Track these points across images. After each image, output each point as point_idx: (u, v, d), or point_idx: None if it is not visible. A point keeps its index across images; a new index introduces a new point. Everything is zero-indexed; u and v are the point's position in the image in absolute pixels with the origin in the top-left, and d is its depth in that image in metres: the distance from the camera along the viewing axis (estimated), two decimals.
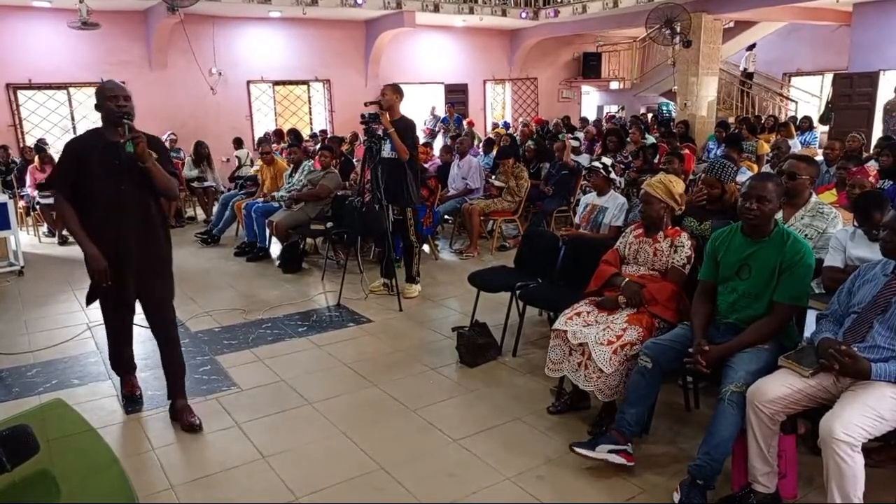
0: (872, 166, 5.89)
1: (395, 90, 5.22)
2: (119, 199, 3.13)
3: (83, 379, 4.05)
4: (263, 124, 12.79)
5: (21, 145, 10.31)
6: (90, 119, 11.28)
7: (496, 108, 16.41)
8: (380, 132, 5.17)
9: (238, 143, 10.64)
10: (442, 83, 15.04)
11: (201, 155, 9.53)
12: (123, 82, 11.05)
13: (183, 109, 11.75)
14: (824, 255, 3.29)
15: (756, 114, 13.17)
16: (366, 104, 5.49)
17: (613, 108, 16.38)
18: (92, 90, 11.08)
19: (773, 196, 2.79)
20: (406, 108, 5.50)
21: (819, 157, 6.59)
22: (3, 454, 1.39)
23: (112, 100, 3.10)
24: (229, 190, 9.05)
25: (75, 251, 7.88)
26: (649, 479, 2.85)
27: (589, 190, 5.78)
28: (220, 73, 11.94)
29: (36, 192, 8.25)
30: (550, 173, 7.70)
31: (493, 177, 7.56)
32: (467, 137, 8.17)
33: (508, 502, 2.74)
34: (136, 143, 2.99)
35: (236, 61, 12.14)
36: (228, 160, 11.93)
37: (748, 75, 14.23)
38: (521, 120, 14.57)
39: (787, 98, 14.83)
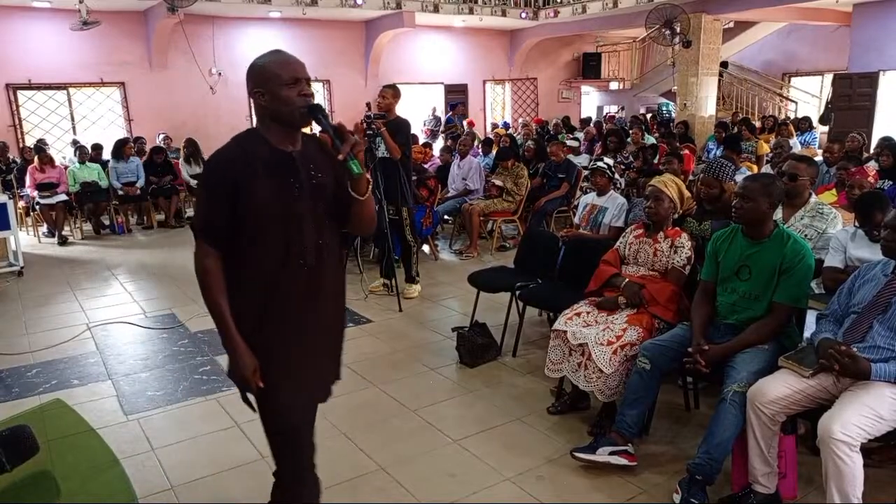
0: (872, 166, 5.89)
1: (396, 93, 5.25)
2: (301, 249, 1.94)
3: (83, 379, 4.04)
4: None
5: (21, 145, 10.30)
6: (90, 119, 11.30)
7: (496, 109, 16.40)
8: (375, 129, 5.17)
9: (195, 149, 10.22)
10: (442, 83, 15.04)
11: (194, 152, 9.53)
12: (122, 83, 10.96)
13: (183, 109, 11.75)
14: (824, 255, 3.30)
15: (746, 115, 13.12)
16: (367, 105, 5.49)
17: (613, 109, 16.37)
18: (92, 91, 11.26)
19: (756, 194, 2.80)
20: (406, 109, 5.50)
21: (818, 158, 6.59)
22: (4, 454, 1.39)
23: (291, 84, 1.86)
24: None
25: (75, 251, 7.93)
26: (649, 479, 2.85)
27: (589, 190, 5.77)
28: (220, 74, 11.93)
29: (35, 193, 8.25)
30: (545, 173, 7.67)
31: (493, 176, 7.55)
32: (468, 138, 8.15)
33: (508, 502, 2.74)
34: (356, 155, 1.87)
35: (236, 61, 12.13)
36: None
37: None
38: (520, 120, 14.57)
39: (787, 98, 14.83)
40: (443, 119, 14.46)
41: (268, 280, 1.96)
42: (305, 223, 1.92)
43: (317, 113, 1.87)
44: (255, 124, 2.02)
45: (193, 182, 9.46)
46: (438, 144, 11.10)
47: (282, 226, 1.90)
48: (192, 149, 9.54)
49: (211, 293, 2.00)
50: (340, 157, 1.82)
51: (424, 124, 14.25)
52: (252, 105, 1.98)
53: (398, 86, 5.42)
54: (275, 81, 1.86)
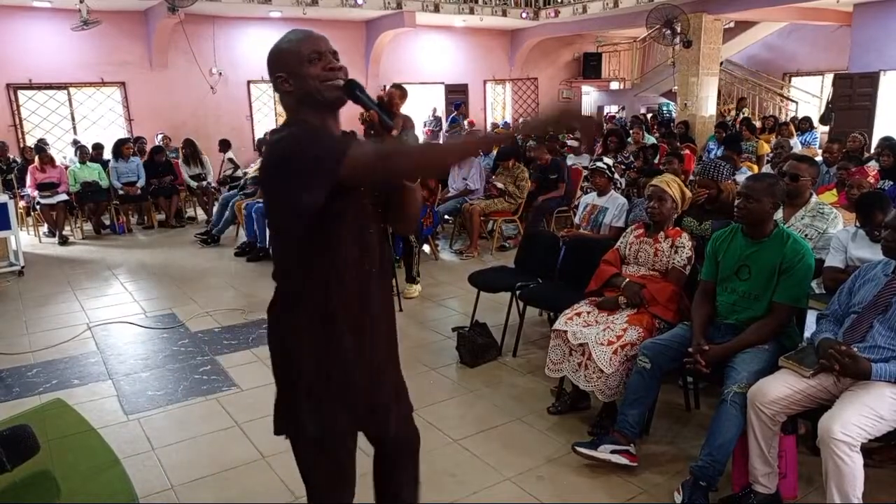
0: (873, 166, 5.89)
1: (403, 93, 5.25)
2: (370, 254, 1.78)
3: (83, 379, 4.05)
4: (264, 124, 12.79)
5: (21, 145, 10.30)
6: (90, 119, 11.30)
7: (497, 109, 16.40)
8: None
9: (224, 146, 10.35)
10: (442, 83, 15.04)
11: (193, 153, 9.53)
12: (123, 83, 10.92)
13: (183, 109, 11.75)
14: (824, 255, 3.30)
15: (745, 114, 13.13)
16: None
17: (613, 109, 16.36)
18: (92, 90, 11.27)
19: (760, 194, 2.81)
20: (406, 109, 5.50)
21: (819, 158, 6.59)
22: (4, 454, 1.39)
23: (314, 60, 1.67)
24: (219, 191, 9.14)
25: (75, 251, 7.93)
26: (650, 478, 2.85)
27: (589, 190, 5.77)
28: (220, 73, 11.94)
29: (36, 193, 8.25)
30: (536, 176, 7.64)
31: (494, 177, 7.55)
32: None
33: (508, 502, 2.74)
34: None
35: (236, 61, 12.14)
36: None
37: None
38: (521, 120, 14.56)
39: (788, 98, 14.82)
40: (444, 119, 14.45)
41: (350, 289, 1.75)
42: (370, 223, 1.76)
43: (354, 89, 1.69)
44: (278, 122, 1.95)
45: (194, 183, 9.46)
46: None
47: (353, 225, 1.73)
48: (190, 149, 9.54)
49: (438, 150, 1.82)
50: (395, 132, 1.69)
51: (425, 125, 14.25)
52: (279, 98, 1.79)
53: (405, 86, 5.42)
54: (295, 60, 1.68)
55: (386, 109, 1.69)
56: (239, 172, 9.76)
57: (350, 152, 1.57)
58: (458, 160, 1.70)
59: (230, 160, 10.07)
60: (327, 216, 1.64)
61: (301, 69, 1.66)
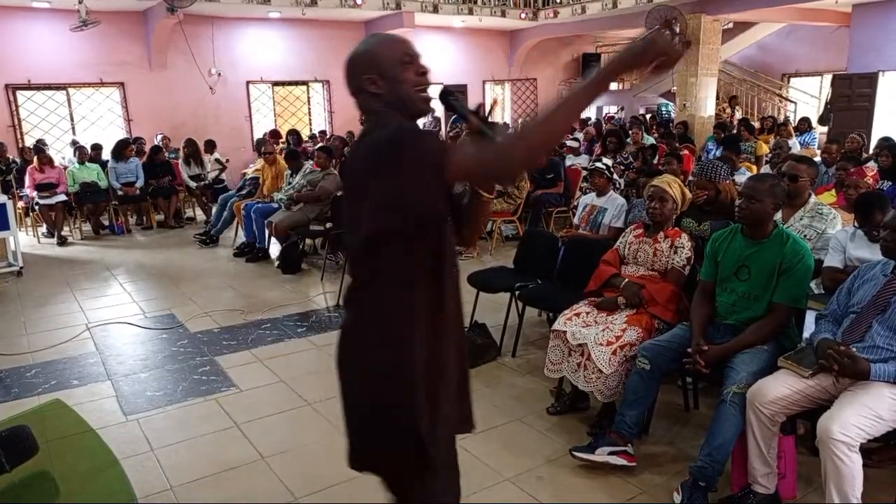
0: (871, 167, 5.90)
1: None
2: (456, 267, 1.75)
3: (82, 380, 4.04)
4: (263, 125, 12.78)
5: (20, 146, 10.30)
6: (89, 119, 11.29)
7: (496, 109, 16.40)
8: None
9: (210, 147, 10.03)
10: (441, 84, 15.00)
11: (194, 153, 9.53)
12: (122, 83, 10.90)
13: (182, 110, 11.74)
14: (823, 255, 3.30)
15: (745, 115, 13.14)
16: None
17: (612, 109, 16.37)
18: (91, 91, 11.26)
19: (763, 195, 2.81)
20: None
21: (817, 159, 6.60)
22: (3, 455, 1.39)
23: (407, 63, 1.64)
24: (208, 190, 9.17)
25: (74, 251, 7.92)
26: (649, 479, 2.85)
27: (588, 190, 5.77)
28: (219, 74, 11.93)
29: (35, 193, 8.24)
30: (533, 177, 7.64)
31: None
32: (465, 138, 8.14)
33: (508, 502, 2.74)
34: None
35: (236, 62, 12.13)
36: (228, 160, 11.93)
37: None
38: (520, 120, 14.57)
39: (786, 99, 14.83)
40: (443, 120, 14.45)
41: (452, 303, 1.68)
42: (449, 230, 1.68)
43: (450, 98, 1.64)
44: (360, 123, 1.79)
45: (193, 183, 9.45)
46: None
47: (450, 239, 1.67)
48: (191, 149, 9.53)
49: (548, 122, 1.45)
50: (498, 139, 1.57)
51: (424, 126, 14.25)
52: (359, 100, 1.67)
53: None
54: (389, 62, 1.61)
55: (485, 119, 1.61)
56: (224, 175, 9.67)
57: (460, 150, 1.51)
58: (578, 115, 1.48)
59: (217, 160, 9.98)
60: (438, 220, 1.57)
61: (395, 72, 1.61)
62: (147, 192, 9.01)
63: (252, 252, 7.10)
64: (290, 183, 7.14)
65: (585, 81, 1.40)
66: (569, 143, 9.23)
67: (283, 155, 7.75)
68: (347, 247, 1.79)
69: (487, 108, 1.69)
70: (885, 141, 6.23)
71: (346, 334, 1.73)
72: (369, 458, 1.76)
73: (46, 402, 3.67)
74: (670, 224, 3.50)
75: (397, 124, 1.55)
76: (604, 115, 15.86)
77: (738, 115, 13.10)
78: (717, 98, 12.93)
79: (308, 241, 7.08)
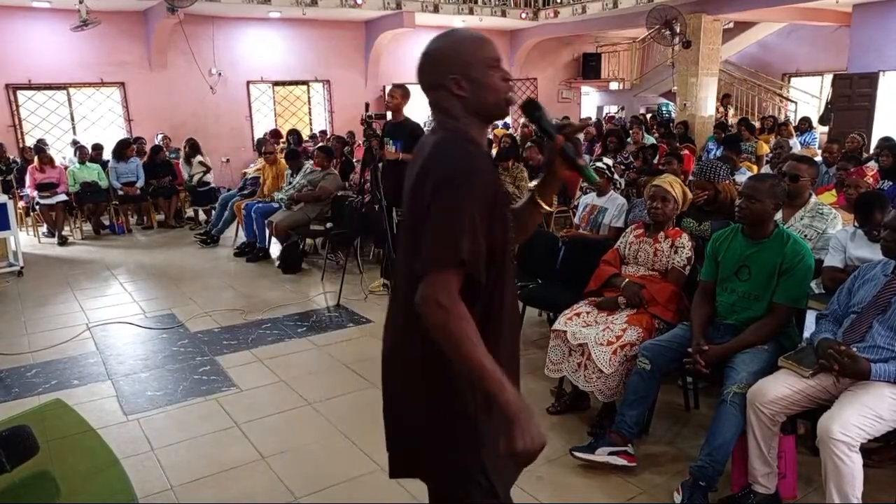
0: (871, 166, 5.90)
1: (405, 93, 5.25)
2: (515, 285, 1.73)
3: (83, 379, 4.05)
4: (263, 125, 12.78)
5: (21, 146, 10.30)
6: (90, 119, 11.29)
7: None
8: (390, 147, 5.18)
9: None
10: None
11: (195, 152, 9.51)
12: (122, 83, 10.89)
13: (183, 109, 11.75)
14: (824, 255, 3.30)
15: (745, 115, 13.13)
16: (366, 105, 5.49)
17: (613, 109, 16.37)
18: (92, 91, 11.26)
19: (763, 195, 2.81)
20: (406, 110, 5.51)
21: (818, 158, 6.60)
22: (3, 455, 1.39)
23: (494, 66, 1.54)
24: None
25: (75, 251, 7.92)
26: (649, 479, 2.85)
27: (588, 190, 5.77)
28: (219, 74, 11.93)
29: (35, 193, 8.25)
30: (531, 176, 7.65)
31: None
32: None
33: None
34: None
35: (236, 62, 12.13)
36: (228, 160, 11.93)
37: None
38: (521, 120, 14.55)
39: (787, 99, 14.83)
40: None
41: (505, 324, 1.57)
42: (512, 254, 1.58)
43: (535, 111, 1.55)
44: (431, 122, 1.63)
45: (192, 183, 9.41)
46: None
47: (509, 255, 1.56)
48: (191, 148, 9.52)
49: (476, 351, 1.37)
50: (581, 162, 1.54)
51: (424, 126, 14.23)
52: (435, 99, 1.57)
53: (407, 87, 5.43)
54: (478, 64, 1.51)
55: (571, 137, 1.54)
56: (209, 176, 9.57)
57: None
58: (471, 369, 1.38)
59: (200, 163, 9.89)
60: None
61: (482, 75, 1.50)
62: (148, 192, 9.01)
63: (252, 252, 7.10)
64: (290, 183, 7.15)
65: (506, 394, 1.35)
66: None
67: (283, 154, 7.75)
68: (399, 256, 1.63)
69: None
70: (886, 141, 6.23)
71: (402, 353, 1.68)
72: (424, 472, 1.71)
73: (47, 401, 3.67)
74: (671, 224, 3.50)
75: (462, 154, 1.48)
76: (604, 114, 15.87)
77: (732, 112, 13.10)
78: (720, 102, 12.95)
79: (308, 240, 7.08)
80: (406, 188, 1.57)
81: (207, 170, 9.67)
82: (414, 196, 1.50)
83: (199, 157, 9.56)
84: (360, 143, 8.10)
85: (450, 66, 1.51)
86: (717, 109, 13.10)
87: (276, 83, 12.96)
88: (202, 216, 9.41)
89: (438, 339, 1.39)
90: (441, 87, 1.53)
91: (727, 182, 3.83)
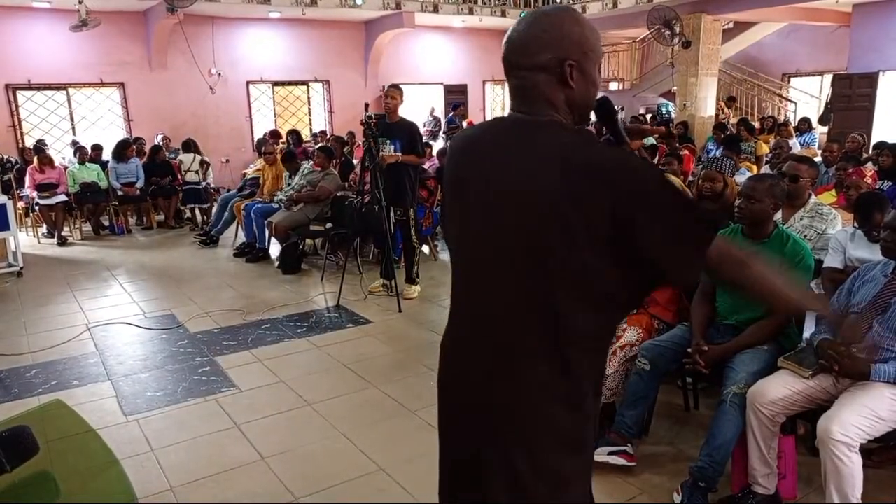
0: (870, 167, 5.90)
1: (402, 93, 5.28)
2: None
3: (82, 380, 4.04)
4: (263, 125, 12.79)
5: (20, 146, 10.31)
6: (89, 120, 11.30)
7: (496, 109, 16.40)
8: (388, 151, 5.17)
9: (187, 147, 9.61)
10: (441, 84, 15.04)
11: (195, 151, 9.52)
12: (122, 84, 10.86)
13: (183, 110, 11.75)
14: (823, 255, 3.30)
15: (745, 115, 13.14)
16: (366, 106, 5.49)
17: None
18: (91, 91, 11.26)
19: (762, 195, 2.81)
20: (406, 109, 5.52)
21: (818, 159, 6.60)
22: (3, 455, 1.39)
23: (599, 63, 1.40)
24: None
25: (74, 252, 7.91)
26: (649, 479, 2.85)
27: None
28: (219, 74, 11.94)
29: (35, 193, 8.25)
30: None
31: None
32: None
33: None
34: None
35: (236, 62, 12.14)
36: (228, 160, 11.94)
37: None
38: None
39: (787, 99, 14.83)
40: (443, 120, 14.46)
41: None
42: None
43: (608, 108, 1.44)
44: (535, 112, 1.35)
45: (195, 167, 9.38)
46: (438, 145, 11.11)
47: None
48: (187, 146, 9.54)
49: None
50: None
51: (424, 125, 14.25)
52: (542, 83, 1.33)
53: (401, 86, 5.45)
54: (593, 56, 1.34)
55: (625, 140, 1.45)
56: (188, 176, 9.48)
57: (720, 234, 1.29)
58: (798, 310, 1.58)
59: (202, 162, 9.88)
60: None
61: (592, 68, 1.34)
62: (147, 193, 9.01)
63: (252, 252, 7.10)
64: (289, 184, 7.15)
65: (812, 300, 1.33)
66: None
67: (281, 155, 7.73)
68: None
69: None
70: (881, 145, 6.25)
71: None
72: None
73: (47, 402, 3.67)
74: None
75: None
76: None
77: (732, 115, 13.11)
78: (720, 102, 12.94)
79: (308, 241, 7.08)
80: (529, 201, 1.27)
81: (206, 167, 9.67)
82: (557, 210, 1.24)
83: (197, 156, 9.58)
84: (360, 143, 8.10)
85: (570, 49, 1.31)
86: (722, 110, 13.12)
87: (275, 83, 12.97)
88: (198, 216, 9.40)
89: (757, 294, 1.34)
90: (551, 71, 1.31)
91: (732, 178, 3.83)
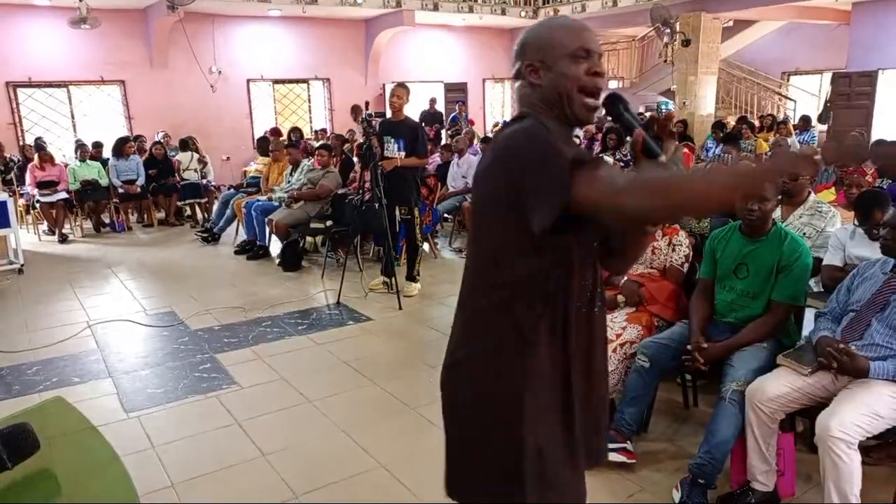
0: (871, 165, 5.90)
1: (408, 92, 5.27)
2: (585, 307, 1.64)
3: (83, 377, 4.05)
4: (263, 123, 12.78)
5: (21, 143, 10.30)
6: (90, 117, 11.29)
7: (496, 107, 16.39)
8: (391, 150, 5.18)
9: (185, 146, 9.69)
10: (441, 82, 15.02)
11: (195, 150, 9.52)
12: (123, 82, 10.88)
13: (183, 108, 11.75)
14: (823, 253, 3.31)
15: (744, 113, 13.13)
16: (366, 104, 5.49)
17: None
18: (92, 88, 11.26)
19: (773, 195, 2.82)
20: (406, 108, 5.51)
21: (818, 157, 6.60)
22: (4, 452, 1.40)
23: (581, 58, 1.42)
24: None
25: (75, 249, 7.93)
26: (649, 476, 2.86)
27: None
28: (220, 72, 11.93)
29: (36, 191, 8.25)
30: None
31: None
32: (466, 136, 8.16)
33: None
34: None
35: (236, 60, 12.13)
36: (228, 158, 11.94)
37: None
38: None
39: (786, 97, 14.82)
40: (443, 115, 14.40)
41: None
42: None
43: (618, 105, 1.41)
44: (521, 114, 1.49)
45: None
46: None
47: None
48: (184, 145, 9.55)
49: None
50: (663, 159, 1.35)
51: (424, 125, 14.20)
52: (517, 88, 1.51)
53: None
54: (558, 51, 1.39)
55: (657, 135, 1.38)
56: (186, 175, 9.50)
57: (586, 169, 1.26)
58: (720, 204, 1.61)
59: (200, 160, 9.90)
60: (554, 251, 1.39)
61: (560, 64, 1.39)
62: (148, 190, 9.01)
63: (253, 250, 7.11)
64: (288, 181, 7.15)
65: (750, 171, 1.20)
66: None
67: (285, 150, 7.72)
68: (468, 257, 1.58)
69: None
70: (879, 143, 6.24)
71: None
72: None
73: (47, 399, 3.67)
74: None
75: (522, 124, 1.40)
76: (604, 112, 15.82)
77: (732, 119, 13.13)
78: (719, 101, 12.93)
79: (308, 238, 7.09)
80: (477, 186, 1.52)
81: (204, 165, 9.68)
82: (485, 185, 1.47)
83: (195, 155, 9.60)
84: (360, 141, 8.09)
85: (530, 51, 1.44)
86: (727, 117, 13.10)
87: (276, 81, 12.96)
88: (198, 213, 9.39)
89: (658, 211, 1.28)
90: (521, 76, 1.46)
91: None
